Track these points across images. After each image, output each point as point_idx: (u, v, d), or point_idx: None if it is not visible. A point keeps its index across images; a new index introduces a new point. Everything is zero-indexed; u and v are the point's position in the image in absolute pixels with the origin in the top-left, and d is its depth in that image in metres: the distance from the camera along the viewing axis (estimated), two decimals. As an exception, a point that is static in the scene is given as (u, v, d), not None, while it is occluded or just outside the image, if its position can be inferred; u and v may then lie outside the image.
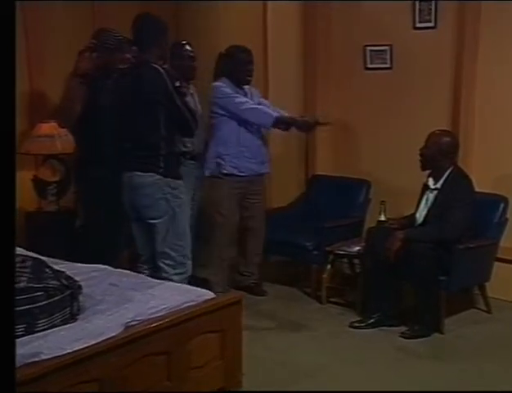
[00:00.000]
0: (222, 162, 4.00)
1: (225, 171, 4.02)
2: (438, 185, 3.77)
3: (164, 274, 3.28)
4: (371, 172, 4.67)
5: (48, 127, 3.77)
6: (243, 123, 3.97)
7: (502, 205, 3.95)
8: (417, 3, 4.41)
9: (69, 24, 4.09)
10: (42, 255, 3.11)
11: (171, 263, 3.33)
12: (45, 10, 3.95)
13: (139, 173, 3.26)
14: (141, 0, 4.17)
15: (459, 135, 4.30)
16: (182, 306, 2.61)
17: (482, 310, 3.98)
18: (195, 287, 2.90)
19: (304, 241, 4.27)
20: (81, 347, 2.17)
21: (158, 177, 3.25)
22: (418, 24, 4.44)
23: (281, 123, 4.02)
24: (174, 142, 3.38)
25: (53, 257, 3.15)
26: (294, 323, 3.83)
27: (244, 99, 3.98)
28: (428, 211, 3.79)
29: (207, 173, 4.05)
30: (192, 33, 4.31)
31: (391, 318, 3.72)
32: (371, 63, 4.71)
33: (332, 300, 4.17)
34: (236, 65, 3.97)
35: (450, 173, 3.74)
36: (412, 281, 3.64)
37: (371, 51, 4.68)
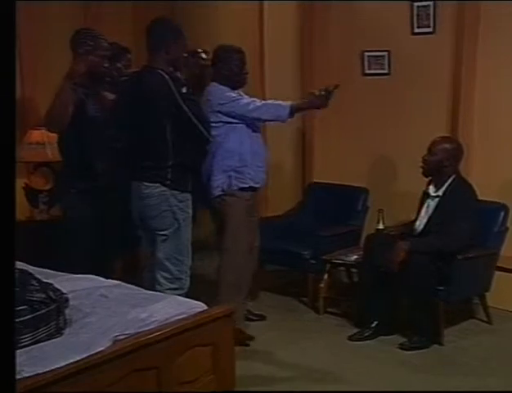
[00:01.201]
0: (238, 175, 3.56)
1: (242, 185, 3.57)
2: (440, 192, 3.69)
3: (159, 287, 3.18)
4: (369, 179, 4.60)
5: (39, 134, 3.71)
6: (251, 127, 3.60)
7: (502, 214, 3.87)
8: (415, 8, 4.36)
9: (60, 26, 4.00)
10: (33, 266, 3.06)
11: (168, 276, 3.22)
12: (36, 11, 3.88)
13: (146, 183, 3.15)
14: (136, 0, 4.11)
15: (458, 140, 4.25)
16: (173, 319, 2.52)
17: (483, 321, 3.90)
18: (187, 299, 2.82)
19: (301, 249, 4.20)
20: (66, 363, 2.09)
21: (164, 188, 3.13)
22: (416, 30, 4.39)
23: (297, 110, 3.59)
24: (183, 153, 3.17)
25: (44, 267, 3.11)
26: (291, 335, 3.75)
27: (248, 98, 3.58)
28: (429, 219, 3.71)
29: (216, 192, 3.57)
30: (187, 33, 4.25)
31: (388, 327, 3.65)
32: (369, 69, 4.66)
33: (329, 310, 4.09)
34: (232, 68, 3.59)
35: (452, 181, 3.67)
36: (411, 291, 3.55)
37: (369, 56, 4.64)
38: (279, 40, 4.78)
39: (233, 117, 3.53)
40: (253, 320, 3.89)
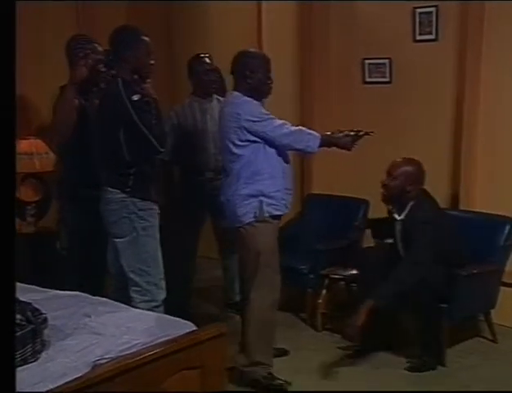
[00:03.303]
0: (270, 201, 3.15)
1: (276, 212, 3.20)
2: (403, 216, 3.47)
3: (133, 302, 3.10)
4: (370, 191, 4.45)
5: (27, 144, 3.60)
6: (280, 148, 3.19)
7: (508, 227, 3.71)
8: (417, 15, 4.24)
9: (53, 28, 3.90)
10: (17, 281, 2.94)
11: (137, 289, 3.17)
12: (26, 12, 3.75)
13: (109, 188, 3.15)
14: (130, 0, 4.01)
15: (461, 151, 4.11)
16: (158, 341, 2.40)
17: (488, 339, 3.74)
18: (175, 319, 2.69)
19: (299, 264, 4.06)
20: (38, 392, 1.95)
21: (124, 195, 3.11)
22: (418, 37, 4.27)
23: (326, 144, 3.23)
24: (142, 161, 3.13)
25: (29, 283, 3.00)
26: (288, 353, 3.60)
27: (279, 120, 3.16)
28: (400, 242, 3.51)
29: (245, 219, 3.16)
30: (185, 34, 4.15)
31: (388, 346, 3.52)
32: (370, 77, 4.55)
33: (328, 327, 3.95)
34: (260, 77, 3.15)
35: (413, 205, 3.44)
36: (411, 310, 3.41)
37: (370, 64, 4.52)
38: (277, 42, 4.67)
39: (260, 138, 3.11)
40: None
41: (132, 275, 3.16)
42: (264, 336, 3.24)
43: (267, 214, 3.16)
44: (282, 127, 3.12)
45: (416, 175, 3.46)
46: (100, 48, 3.34)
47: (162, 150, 3.12)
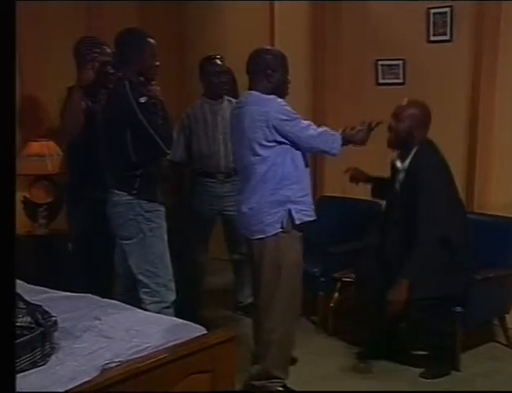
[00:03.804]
0: (299, 207, 2.96)
1: (307, 218, 3.00)
2: (406, 163, 3.34)
3: (143, 304, 3.11)
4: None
5: (39, 146, 3.60)
6: (304, 149, 3.03)
7: (524, 231, 3.65)
8: (431, 15, 4.18)
9: (62, 27, 3.90)
10: (30, 283, 2.95)
11: (147, 290, 3.17)
12: (36, 10, 3.76)
13: (116, 190, 3.15)
14: (142, 0, 4.00)
15: (476, 153, 4.05)
16: (168, 344, 2.38)
17: (503, 344, 3.69)
18: (185, 322, 2.67)
19: (310, 267, 3.98)
20: (47, 396, 1.94)
21: (130, 197, 3.11)
22: (432, 38, 4.21)
23: (346, 143, 3.10)
24: (149, 163, 3.13)
25: (41, 285, 3.00)
26: (300, 358, 3.56)
27: (305, 121, 3.02)
28: (403, 200, 3.31)
29: (272, 229, 2.94)
30: (196, 34, 4.13)
31: (398, 353, 3.46)
32: (383, 78, 4.49)
33: (340, 330, 3.90)
34: (280, 77, 3.03)
35: (417, 150, 3.31)
36: (425, 314, 3.35)
37: (383, 65, 4.47)
38: (290, 42, 4.63)
39: (288, 138, 2.93)
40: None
41: (140, 277, 3.16)
42: (284, 351, 3.10)
43: (297, 222, 2.95)
44: (309, 128, 2.97)
45: (423, 118, 3.37)
46: (108, 50, 3.35)
47: (168, 151, 3.13)
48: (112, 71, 3.27)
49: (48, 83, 3.58)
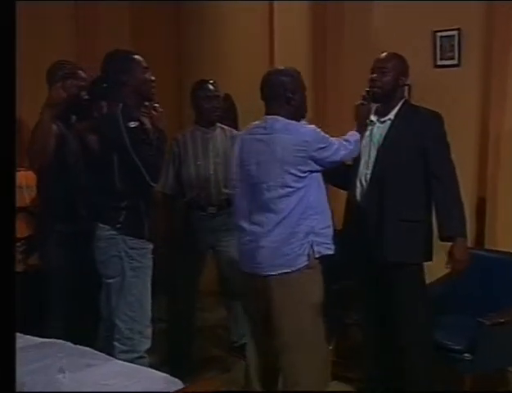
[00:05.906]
0: (320, 239, 2.79)
1: (328, 252, 2.82)
2: (391, 116, 3.05)
3: (113, 351, 2.86)
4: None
5: (17, 176, 3.38)
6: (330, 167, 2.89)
7: (539, 269, 3.39)
8: (438, 39, 3.99)
9: (52, 29, 3.75)
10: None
11: (118, 337, 2.92)
12: (25, 12, 3.56)
13: (100, 223, 2.95)
14: (138, 0, 3.82)
15: (487, 183, 3.86)
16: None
17: (518, 394, 3.40)
18: (163, 374, 2.43)
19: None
20: None
21: (113, 232, 2.90)
22: (439, 62, 4.03)
23: (361, 132, 3.07)
24: (136, 195, 2.91)
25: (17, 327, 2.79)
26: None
27: (332, 138, 2.87)
28: (378, 153, 3.02)
29: (298, 263, 2.75)
30: (194, 36, 3.95)
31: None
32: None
33: (339, 375, 3.63)
34: (300, 97, 2.88)
35: (403, 104, 3.09)
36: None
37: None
38: (289, 44, 4.46)
39: (322, 165, 2.78)
40: None
41: (116, 320, 2.92)
42: None
43: (317, 255, 2.76)
44: (340, 148, 2.85)
45: (406, 67, 3.13)
46: (83, 75, 3.17)
47: (153, 184, 2.90)
48: (87, 97, 3.10)
49: (26, 103, 3.35)
